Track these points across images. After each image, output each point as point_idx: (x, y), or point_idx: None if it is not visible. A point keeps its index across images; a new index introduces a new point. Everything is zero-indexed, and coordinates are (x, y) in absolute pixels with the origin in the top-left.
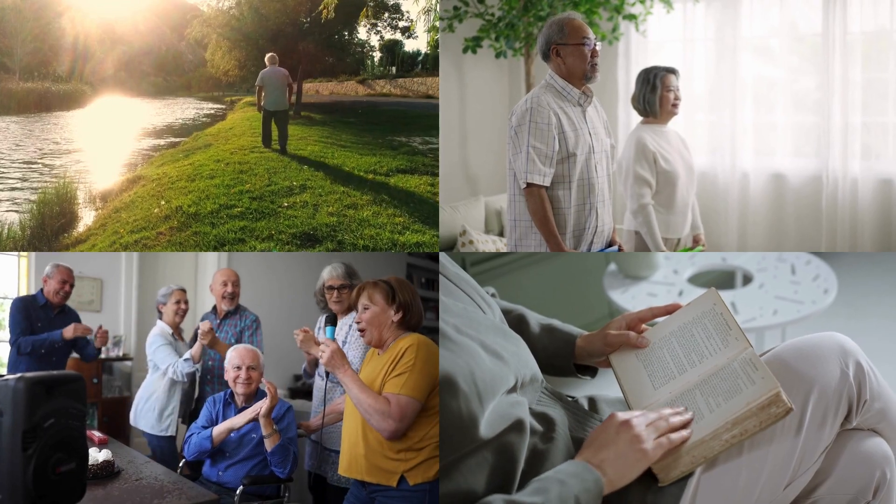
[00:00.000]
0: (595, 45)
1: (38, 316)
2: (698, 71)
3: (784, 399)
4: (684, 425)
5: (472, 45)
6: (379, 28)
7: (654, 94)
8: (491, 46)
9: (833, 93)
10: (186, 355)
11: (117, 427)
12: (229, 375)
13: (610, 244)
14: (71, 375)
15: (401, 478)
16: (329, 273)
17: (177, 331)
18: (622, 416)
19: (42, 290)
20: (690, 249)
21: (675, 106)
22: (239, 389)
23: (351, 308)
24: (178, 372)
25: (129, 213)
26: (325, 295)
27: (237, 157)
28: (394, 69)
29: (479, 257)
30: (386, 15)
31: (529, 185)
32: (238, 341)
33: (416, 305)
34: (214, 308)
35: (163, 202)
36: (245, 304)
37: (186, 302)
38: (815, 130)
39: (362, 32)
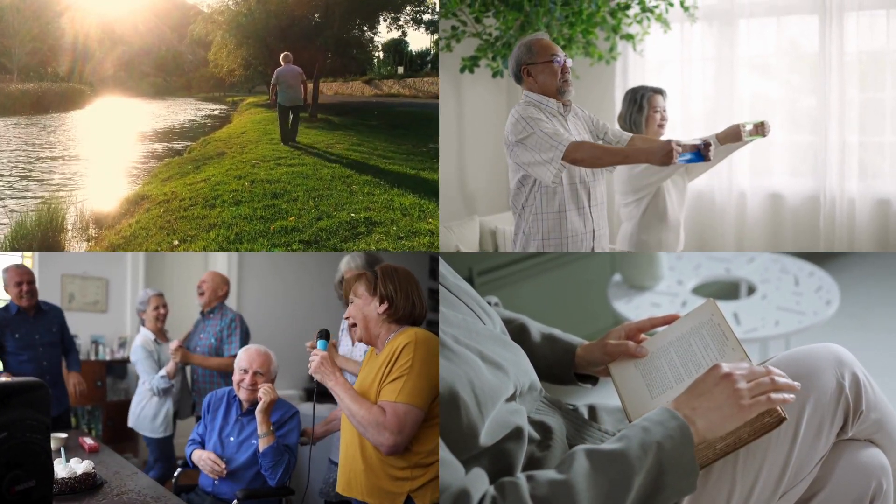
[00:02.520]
0: (565, 61)
1: (16, 325)
2: (696, 90)
3: (778, 408)
4: (790, 388)
5: (470, 64)
6: (401, 23)
7: (641, 114)
8: (488, 66)
9: (830, 112)
10: (162, 372)
11: (123, 431)
12: (235, 378)
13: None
14: (31, 383)
15: (407, 499)
16: (346, 264)
17: (161, 335)
18: (727, 367)
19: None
20: (754, 135)
21: (661, 126)
22: (242, 395)
23: None
24: (156, 388)
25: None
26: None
27: (262, 173)
28: (401, 69)
29: (487, 266)
30: (408, 8)
31: (567, 149)
32: (217, 342)
33: (403, 295)
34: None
35: (176, 241)
36: (256, 304)
37: (165, 306)
38: (812, 150)
39: (382, 28)
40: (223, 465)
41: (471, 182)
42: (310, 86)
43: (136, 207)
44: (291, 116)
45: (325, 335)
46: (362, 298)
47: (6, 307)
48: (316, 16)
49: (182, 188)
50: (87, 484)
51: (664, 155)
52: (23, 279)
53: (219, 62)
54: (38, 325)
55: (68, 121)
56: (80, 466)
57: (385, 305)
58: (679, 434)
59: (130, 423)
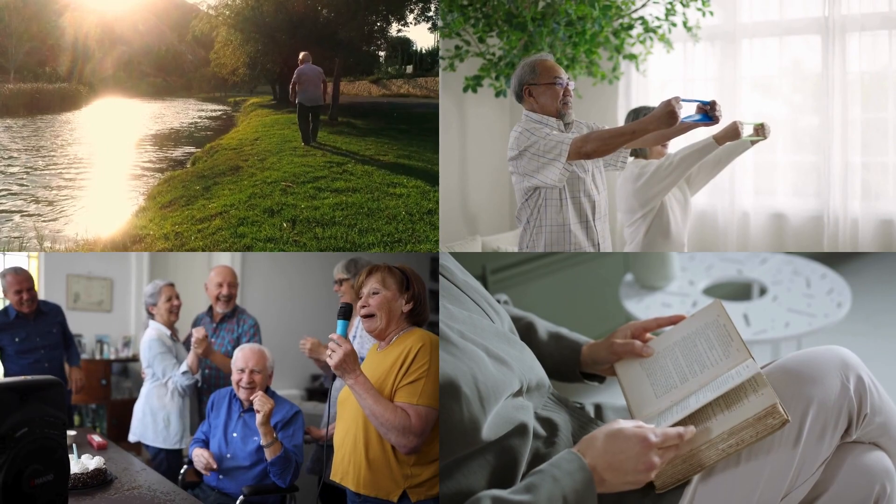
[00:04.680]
0: (567, 83)
1: (16, 329)
2: None
3: (781, 410)
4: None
5: (473, 84)
6: (430, 14)
7: None
8: (491, 86)
9: (833, 132)
10: (184, 367)
11: (127, 429)
12: (233, 377)
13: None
14: (49, 381)
15: (403, 493)
16: (336, 267)
17: (172, 331)
18: (657, 457)
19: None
20: (756, 136)
21: (664, 147)
22: (241, 394)
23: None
24: (179, 385)
25: None
26: None
27: (303, 206)
28: (409, 68)
29: (500, 264)
30: None
31: (574, 145)
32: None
33: (425, 299)
34: (210, 309)
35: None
36: (260, 303)
37: (178, 297)
38: (815, 170)
39: (409, 19)
40: (215, 464)
41: (473, 201)
42: (329, 85)
43: (131, 251)
44: (311, 117)
45: (346, 314)
46: (391, 291)
47: (5, 310)
48: (324, 11)
49: (189, 229)
50: (99, 479)
51: (668, 114)
52: (22, 287)
53: (222, 60)
54: (38, 328)
55: (64, 124)
56: (91, 462)
57: (411, 305)
58: (585, 490)
59: (136, 434)
